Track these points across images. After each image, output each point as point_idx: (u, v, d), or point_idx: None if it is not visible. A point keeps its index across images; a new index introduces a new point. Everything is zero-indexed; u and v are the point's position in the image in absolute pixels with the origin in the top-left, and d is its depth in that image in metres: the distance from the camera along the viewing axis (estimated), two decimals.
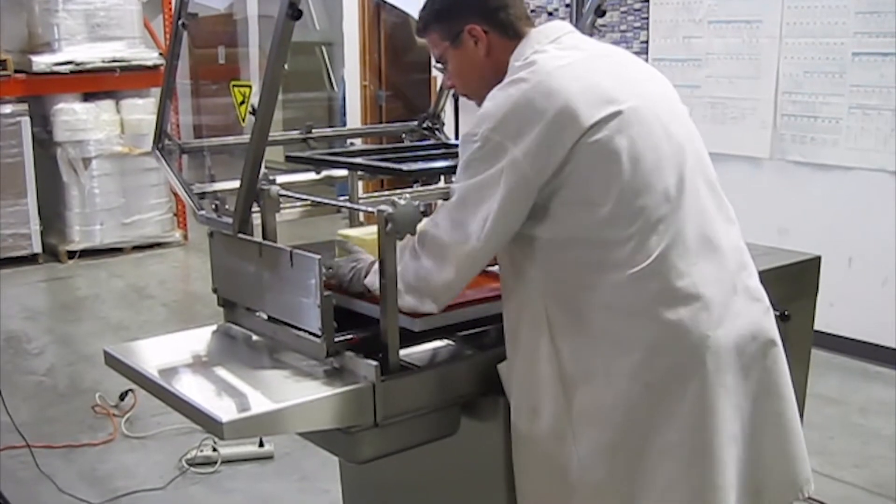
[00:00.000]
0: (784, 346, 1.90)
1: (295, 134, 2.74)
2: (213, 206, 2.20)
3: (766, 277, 1.98)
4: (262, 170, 2.07)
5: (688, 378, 1.75)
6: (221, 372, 2.03)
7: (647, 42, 5.53)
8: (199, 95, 9.45)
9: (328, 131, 3.00)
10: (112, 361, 2.14)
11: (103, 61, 6.87)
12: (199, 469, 3.66)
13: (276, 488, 3.54)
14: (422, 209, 1.84)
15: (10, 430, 3.67)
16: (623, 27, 5.63)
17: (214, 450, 3.69)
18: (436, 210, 1.85)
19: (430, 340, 2.07)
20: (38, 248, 6.86)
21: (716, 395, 1.75)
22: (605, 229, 1.73)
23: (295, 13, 1.82)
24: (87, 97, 6.98)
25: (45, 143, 6.92)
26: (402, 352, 1.90)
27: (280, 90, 1.99)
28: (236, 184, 2.08)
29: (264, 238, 2.13)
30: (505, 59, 1.87)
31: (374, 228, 1.87)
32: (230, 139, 2.70)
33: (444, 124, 2.98)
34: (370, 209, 1.90)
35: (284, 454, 3.74)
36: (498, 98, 1.77)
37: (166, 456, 3.77)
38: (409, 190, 2.65)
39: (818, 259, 2.63)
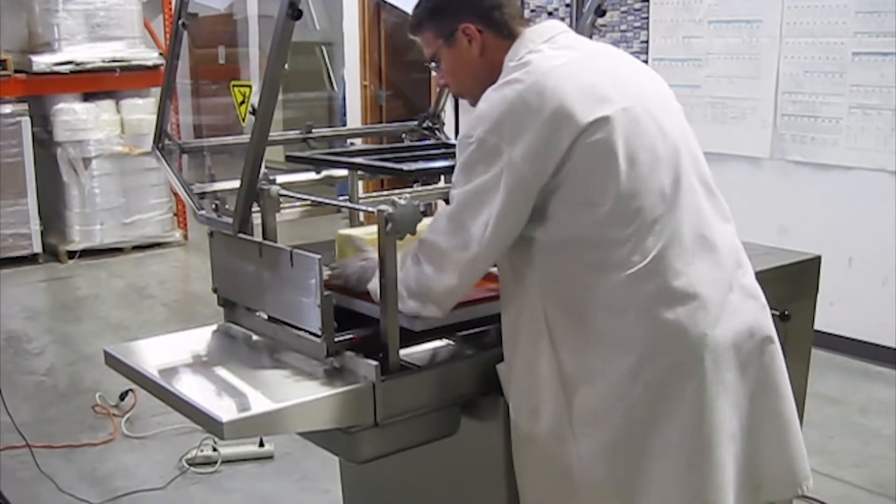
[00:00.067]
0: (784, 345, 1.90)
1: (295, 134, 2.73)
2: (214, 206, 2.20)
3: (767, 277, 1.98)
4: (263, 170, 2.07)
5: (687, 377, 1.75)
6: (221, 372, 2.03)
7: (647, 42, 5.53)
8: (199, 95, 9.44)
9: (328, 131, 3.00)
10: (112, 361, 2.14)
11: (103, 61, 6.87)
12: (200, 469, 3.66)
13: (277, 488, 3.54)
14: (422, 209, 1.84)
15: (10, 429, 3.67)
16: (623, 27, 5.63)
17: (214, 450, 3.68)
18: (436, 216, 1.85)
19: (430, 340, 2.07)
20: (38, 248, 6.86)
21: (714, 393, 1.76)
22: (602, 230, 1.73)
23: (295, 13, 1.82)
24: (88, 97, 6.98)
25: (45, 143, 6.92)
26: (403, 352, 1.90)
27: (280, 90, 1.99)
28: (236, 184, 2.08)
29: (264, 238, 2.13)
30: (499, 58, 1.86)
31: (374, 228, 1.87)
32: (230, 139, 2.70)
33: (444, 124, 2.98)
34: (370, 209, 1.90)
35: (285, 454, 3.74)
36: (493, 99, 1.77)
37: (166, 456, 3.77)
38: (409, 190, 2.65)
39: (818, 259, 2.63)
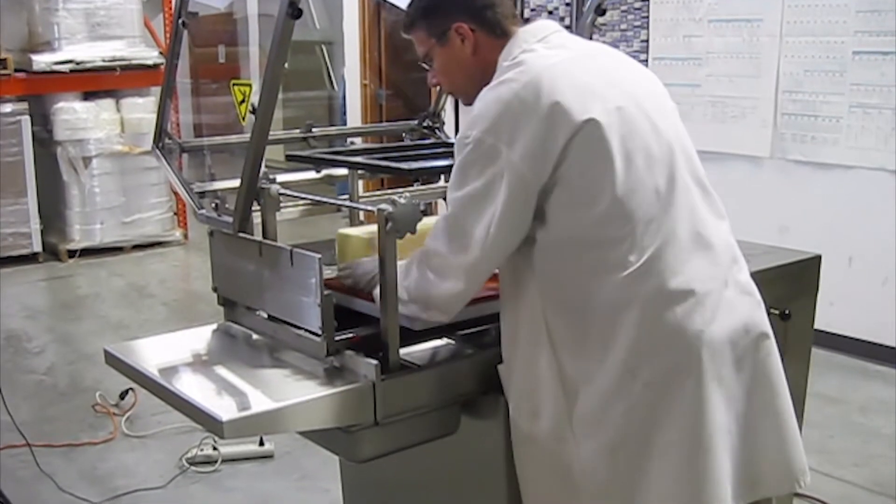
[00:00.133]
0: (784, 344, 1.90)
1: (295, 133, 2.74)
2: (214, 205, 2.20)
3: (767, 276, 1.99)
4: (263, 169, 2.07)
5: (685, 375, 1.75)
6: (221, 371, 2.03)
7: (647, 41, 5.53)
8: (199, 94, 9.44)
9: (328, 130, 3.00)
10: (112, 360, 2.14)
11: (103, 60, 6.87)
12: (200, 468, 3.66)
13: (277, 487, 3.54)
14: (422, 208, 1.84)
15: (10, 428, 3.66)
16: (623, 26, 5.62)
17: (215, 449, 3.68)
18: (436, 222, 1.84)
19: (431, 339, 2.07)
20: (38, 247, 6.86)
21: (711, 389, 1.76)
22: (599, 229, 1.73)
23: (295, 12, 1.82)
24: (88, 96, 6.98)
25: (45, 142, 6.92)
26: (403, 351, 1.90)
27: (280, 89, 1.99)
28: (236, 183, 2.08)
29: (264, 237, 2.13)
30: (492, 57, 1.86)
31: (374, 227, 1.87)
32: (230, 138, 2.70)
33: (444, 123, 2.99)
34: (370, 208, 1.90)
35: (285, 453, 3.74)
36: (488, 99, 1.77)
37: (166, 455, 3.77)
38: (409, 189, 2.65)
39: (818, 258, 2.63)
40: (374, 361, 1.84)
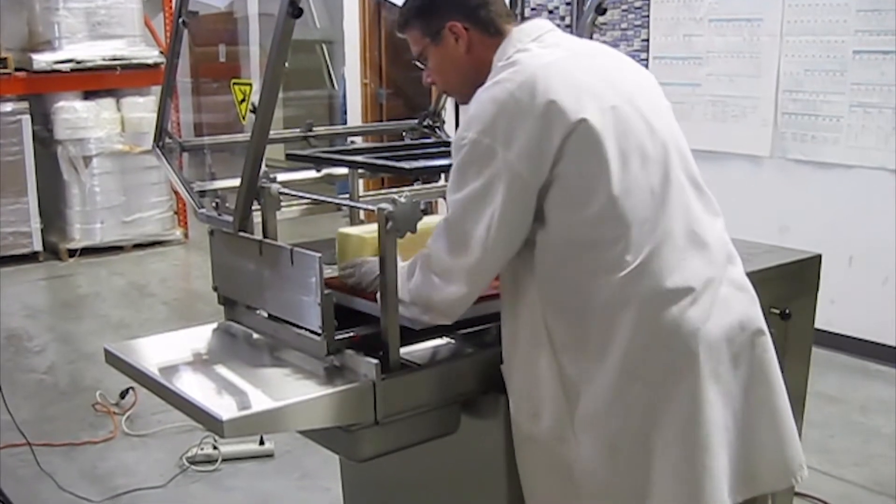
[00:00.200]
0: (785, 344, 1.90)
1: (295, 132, 2.74)
2: (214, 205, 2.20)
3: (767, 275, 1.99)
4: (263, 168, 2.07)
5: (682, 373, 1.76)
6: (222, 370, 2.03)
7: (647, 40, 5.53)
8: (199, 93, 9.43)
9: (329, 129, 3.00)
10: (113, 359, 2.14)
11: (104, 59, 6.87)
12: (200, 467, 3.66)
13: (277, 486, 3.54)
14: (422, 207, 1.84)
15: (10, 428, 3.66)
16: (624, 25, 5.62)
17: (215, 448, 3.69)
18: (438, 225, 1.84)
19: (431, 338, 2.07)
20: (38, 247, 6.86)
21: (709, 387, 1.77)
22: (594, 229, 1.73)
23: (295, 11, 1.82)
24: (88, 95, 6.98)
25: (45, 142, 6.92)
26: (403, 350, 1.90)
27: (280, 88, 1.99)
28: (237, 182, 2.08)
29: (265, 236, 2.13)
30: (486, 56, 1.87)
31: (374, 227, 1.87)
32: (231, 137, 2.70)
33: (444, 122, 2.99)
34: (370, 207, 1.90)
35: (285, 452, 3.74)
36: (483, 100, 1.77)
37: (167, 454, 3.77)
38: (409, 188, 2.65)
39: (819, 257, 2.63)
40: (375, 360, 1.84)
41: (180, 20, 2.37)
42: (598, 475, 1.79)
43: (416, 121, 2.97)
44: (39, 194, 6.80)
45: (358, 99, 7.97)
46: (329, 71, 10.13)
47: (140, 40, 7.14)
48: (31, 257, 6.86)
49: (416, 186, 2.70)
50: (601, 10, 2.63)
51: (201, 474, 3.63)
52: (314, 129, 2.74)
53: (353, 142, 2.96)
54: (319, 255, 1.87)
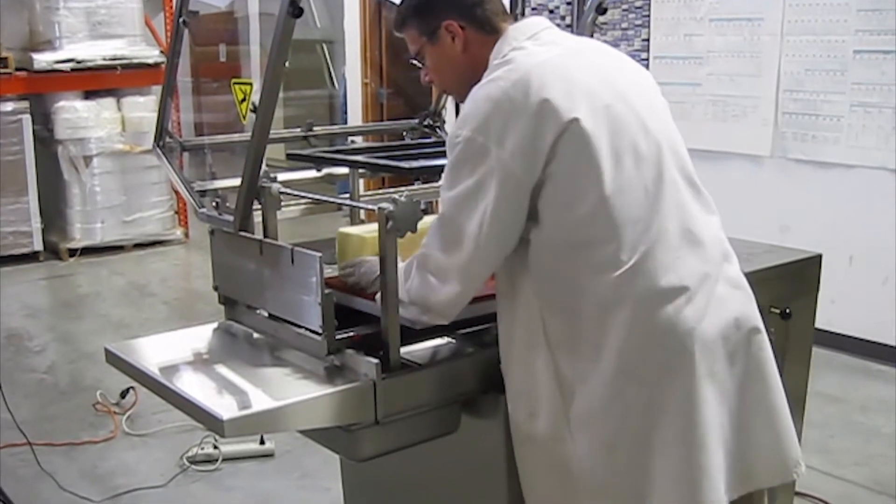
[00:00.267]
0: (785, 343, 1.90)
1: (296, 132, 2.74)
2: (214, 204, 2.20)
3: (767, 275, 1.98)
4: (263, 167, 2.07)
5: (678, 372, 1.76)
6: (222, 370, 2.03)
7: (648, 39, 5.53)
8: (200, 93, 9.44)
9: (329, 129, 3.00)
10: (113, 359, 2.14)
11: (104, 59, 6.87)
12: (200, 467, 3.66)
13: (277, 486, 3.55)
14: (423, 207, 1.84)
15: (10, 427, 3.67)
16: (624, 25, 5.62)
17: (215, 447, 3.69)
18: (431, 224, 1.84)
19: (431, 338, 2.07)
20: (39, 246, 6.86)
21: (704, 385, 1.77)
22: (588, 228, 1.73)
23: (296, 11, 1.82)
24: (89, 95, 6.98)
25: (46, 141, 6.92)
26: (403, 349, 1.90)
27: (281, 88, 1.99)
28: (237, 181, 2.08)
29: (265, 236, 2.13)
30: (482, 54, 1.87)
31: (374, 226, 1.87)
32: (231, 137, 2.70)
33: (444, 122, 2.99)
34: (371, 207, 1.90)
35: (285, 452, 3.74)
36: (478, 98, 1.77)
37: (167, 454, 3.77)
38: (410, 188, 2.65)
39: (819, 257, 2.63)
40: (375, 360, 1.84)
41: (181, 20, 2.37)
42: (595, 474, 1.79)
43: (417, 120, 2.97)
44: (40, 194, 6.80)
45: (358, 98, 7.97)
46: (329, 70, 10.13)
47: (140, 40, 7.14)
48: (32, 257, 6.86)
49: (416, 186, 2.70)
50: (602, 10, 2.63)
51: (202, 474, 3.63)
52: (314, 128, 2.74)
53: (353, 141, 2.96)
54: (320, 254, 1.87)
